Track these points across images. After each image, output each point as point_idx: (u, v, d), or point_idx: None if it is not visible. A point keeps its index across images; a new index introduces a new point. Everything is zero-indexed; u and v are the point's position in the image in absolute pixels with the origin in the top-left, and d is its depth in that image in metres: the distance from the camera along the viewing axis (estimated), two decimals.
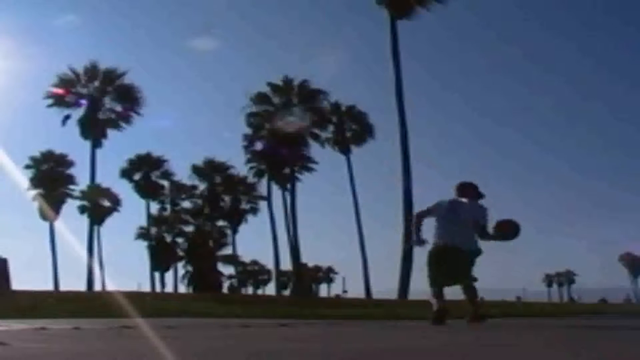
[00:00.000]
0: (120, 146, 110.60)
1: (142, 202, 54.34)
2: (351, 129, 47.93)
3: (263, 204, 51.51)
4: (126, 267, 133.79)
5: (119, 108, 45.21)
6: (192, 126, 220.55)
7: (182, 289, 58.60)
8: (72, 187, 49.99)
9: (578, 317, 12.09)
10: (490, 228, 7.34)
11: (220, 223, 57.22)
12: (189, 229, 58.29)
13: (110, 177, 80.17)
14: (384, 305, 18.10)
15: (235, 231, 56.42)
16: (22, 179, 46.50)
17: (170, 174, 55.03)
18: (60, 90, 44.16)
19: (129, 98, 45.08)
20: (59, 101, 44.52)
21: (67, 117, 44.27)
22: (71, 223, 51.30)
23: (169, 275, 59.48)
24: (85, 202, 48.96)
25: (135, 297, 13.41)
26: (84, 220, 47.87)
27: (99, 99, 44.81)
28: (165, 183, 55.65)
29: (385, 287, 43.19)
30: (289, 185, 45.76)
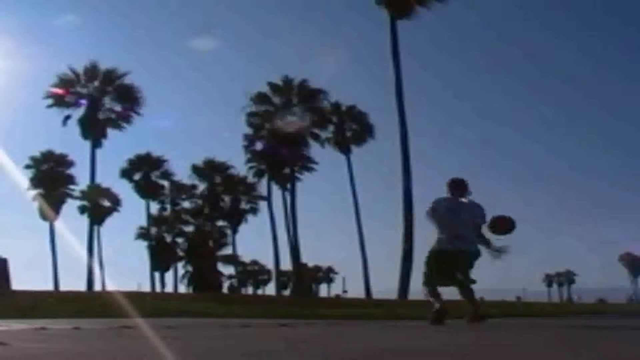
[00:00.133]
0: (120, 146, 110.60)
1: (142, 202, 54.44)
2: (351, 129, 47.95)
3: (263, 204, 51.60)
4: (126, 267, 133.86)
5: (118, 108, 45.28)
6: (192, 126, 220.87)
7: (182, 289, 58.70)
8: (72, 187, 50.09)
9: (578, 317, 12.09)
10: (485, 227, 7.30)
11: (220, 223, 57.28)
12: (189, 229, 58.38)
13: (110, 177, 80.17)
14: (384, 305, 18.10)
15: (235, 231, 56.48)
16: (22, 179, 46.56)
17: (170, 174, 55.10)
18: (60, 90, 44.17)
19: (129, 98, 45.09)
20: (59, 101, 44.53)
21: (67, 117, 44.35)
22: (71, 223, 51.34)
23: (169, 275, 59.59)
24: (85, 202, 48.98)
25: (135, 297, 13.40)
26: (84, 220, 47.97)
27: (99, 99, 44.82)
28: (165, 183, 55.73)
29: (385, 287, 43.22)
30: (289, 185, 45.79)
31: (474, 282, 7.29)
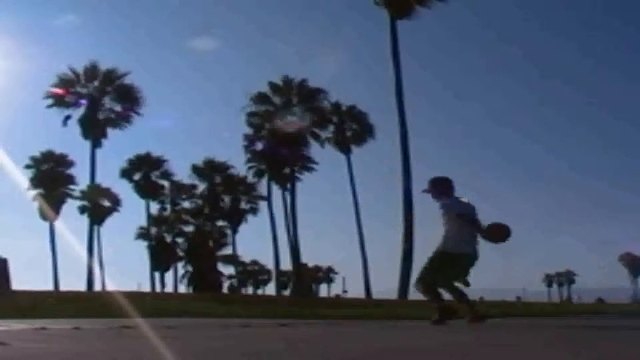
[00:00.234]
0: (120, 146, 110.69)
1: (142, 202, 54.45)
2: (351, 128, 47.97)
3: (263, 204, 51.61)
4: (126, 267, 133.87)
5: (118, 108, 45.28)
6: (192, 126, 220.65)
7: (182, 289, 58.71)
8: (72, 187, 50.12)
9: (578, 317, 12.09)
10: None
11: (220, 223, 57.29)
12: (189, 229, 58.39)
13: (110, 177, 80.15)
14: (384, 305, 18.10)
15: (235, 231, 56.49)
16: (22, 179, 46.58)
17: (170, 174, 55.12)
18: (60, 90, 44.17)
19: (129, 98, 45.10)
20: (59, 101, 44.54)
21: (67, 117, 44.34)
22: (71, 223, 51.37)
23: (169, 275, 59.60)
24: (85, 202, 49.00)
25: (135, 297, 13.41)
26: (84, 220, 47.98)
27: (99, 99, 44.83)
28: (165, 183, 55.75)
29: (385, 287, 43.24)
30: (289, 185, 45.80)
31: (468, 284, 7.26)
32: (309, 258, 76.69)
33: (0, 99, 71.38)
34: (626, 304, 49.75)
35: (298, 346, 4.21)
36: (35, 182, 48.88)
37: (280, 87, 45.92)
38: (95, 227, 47.46)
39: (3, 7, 70.89)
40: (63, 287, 42.12)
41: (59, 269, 47.93)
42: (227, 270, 65.19)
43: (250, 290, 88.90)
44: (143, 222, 56.64)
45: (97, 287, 43.16)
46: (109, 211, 50.82)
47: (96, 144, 43.97)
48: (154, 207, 56.73)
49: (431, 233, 7.41)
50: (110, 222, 50.99)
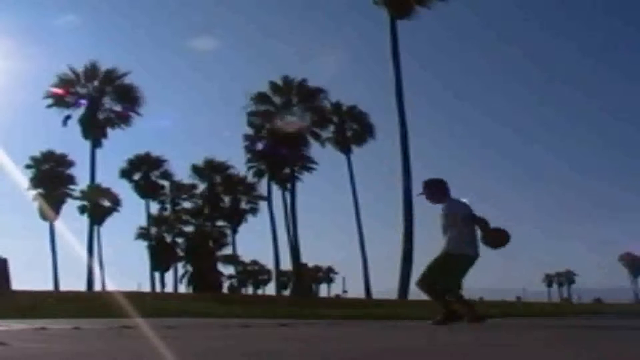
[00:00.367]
0: (120, 146, 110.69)
1: (142, 202, 54.49)
2: (352, 128, 47.97)
3: (263, 204, 51.62)
4: (126, 267, 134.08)
5: (118, 108, 45.29)
6: (192, 126, 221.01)
7: (182, 289, 58.70)
8: (72, 187, 50.16)
9: (578, 317, 12.09)
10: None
11: (220, 223, 57.28)
12: (189, 229, 58.39)
13: (110, 177, 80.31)
14: (384, 305, 18.11)
15: (235, 231, 56.50)
16: (22, 179, 46.62)
17: (170, 174, 55.16)
18: (60, 90, 44.17)
19: (129, 98, 45.10)
20: (59, 101, 44.54)
21: (68, 117, 44.35)
22: (71, 223, 51.45)
23: (169, 275, 59.60)
24: (85, 202, 49.01)
25: (135, 297, 13.41)
26: (84, 220, 48.00)
27: (99, 99, 44.83)
28: (165, 183, 55.76)
29: (385, 287, 43.26)
30: (289, 185, 45.79)
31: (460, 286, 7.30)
32: (309, 258, 76.83)
33: (0, 99, 71.43)
34: (626, 304, 49.71)
35: (298, 346, 4.21)
36: (35, 182, 48.89)
37: (280, 87, 45.91)
38: (95, 227, 47.49)
39: (3, 7, 71.08)
40: (63, 287, 42.22)
41: (59, 269, 48.04)
42: (227, 270, 65.27)
43: (250, 290, 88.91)
44: (143, 222, 56.76)
45: (97, 287, 43.21)
46: (109, 211, 50.84)
47: (96, 144, 43.99)
48: (154, 207, 56.86)
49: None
50: (110, 222, 51.12)
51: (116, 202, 51.51)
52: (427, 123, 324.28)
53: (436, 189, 7.35)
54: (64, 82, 44.70)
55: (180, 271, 61.07)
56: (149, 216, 55.54)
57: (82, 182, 48.90)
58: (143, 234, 57.31)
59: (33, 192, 49.20)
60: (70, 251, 51.59)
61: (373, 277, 47.53)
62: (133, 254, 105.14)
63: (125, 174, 52.99)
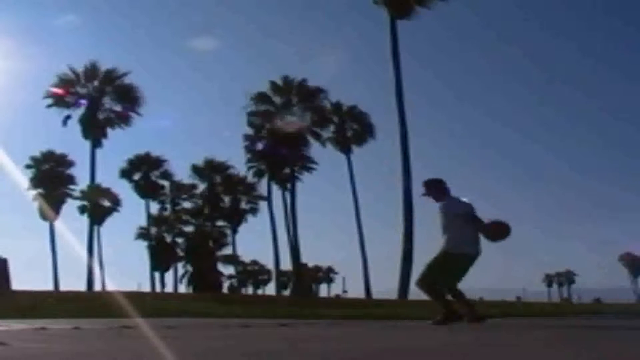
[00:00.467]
0: (120, 146, 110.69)
1: (142, 202, 54.46)
2: (352, 128, 47.96)
3: (263, 204, 51.59)
4: (126, 267, 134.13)
5: (118, 108, 45.27)
6: (192, 126, 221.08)
7: (182, 289, 58.68)
8: (72, 187, 50.13)
9: (578, 317, 12.09)
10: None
11: (220, 223, 57.26)
12: (189, 229, 58.35)
13: (110, 177, 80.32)
14: (384, 305, 18.11)
15: (235, 231, 56.47)
16: (22, 179, 46.60)
17: (170, 174, 55.12)
18: (60, 90, 44.15)
19: (129, 98, 45.08)
20: (59, 101, 44.52)
21: (68, 117, 44.32)
22: (71, 223, 51.44)
23: (169, 275, 59.58)
24: (85, 202, 49.00)
25: (135, 297, 13.41)
26: (84, 220, 47.98)
27: (99, 99, 44.81)
28: (165, 183, 55.74)
29: (385, 287, 43.24)
30: (289, 185, 45.77)
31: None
32: (309, 258, 76.83)
33: (0, 99, 71.43)
34: (626, 304, 49.66)
35: (298, 346, 4.21)
36: (35, 182, 48.88)
37: (280, 87, 45.90)
38: (95, 227, 47.47)
39: (3, 7, 71.08)
40: (63, 287, 42.21)
41: (59, 269, 48.01)
42: (227, 270, 65.25)
43: (250, 290, 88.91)
44: (143, 222, 56.74)
45: (97, 287, 43.19)
46: (109, 211, 50.82)
47: (96, 144, 43.98)
48: (154, 207, 56.83)
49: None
50: (110, 222, 51.09)
51: (116, 202, 51.52)
52: (427, 123, 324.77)
53: (435, 189, 7.38)
54: (64, 82, 44.68)
55: (180, 271, 61.13)
56: (149, 216, 55.56)
57: (82, 182, 48.97)
58: (143, 234, 57.31)
59: (33, 192, 49.25)
60: (70, 251, 51.66)
61: (373, 277, 47.59)
62: (133, 254, 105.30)
63: (125, 174, 52.99)
